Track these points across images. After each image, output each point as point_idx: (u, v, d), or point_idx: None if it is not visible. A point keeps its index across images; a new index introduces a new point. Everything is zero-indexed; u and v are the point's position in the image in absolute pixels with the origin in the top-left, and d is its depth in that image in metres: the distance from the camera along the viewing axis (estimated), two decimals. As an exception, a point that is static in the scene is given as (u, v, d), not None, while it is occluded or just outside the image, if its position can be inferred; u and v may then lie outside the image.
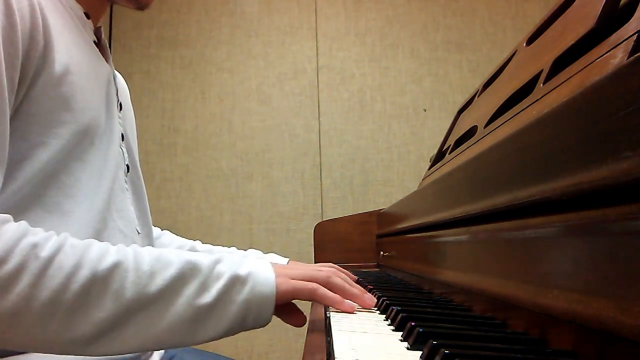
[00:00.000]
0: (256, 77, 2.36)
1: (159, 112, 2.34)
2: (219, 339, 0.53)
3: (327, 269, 0.64)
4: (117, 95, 0.73)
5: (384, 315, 0.60)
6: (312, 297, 0.58)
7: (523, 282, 0.43)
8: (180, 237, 0.96)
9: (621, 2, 0.54)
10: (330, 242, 1.48)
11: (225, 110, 2.34)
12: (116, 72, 0.77)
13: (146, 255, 0.52)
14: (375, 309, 0.67)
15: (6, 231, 0.47)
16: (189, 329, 0.51)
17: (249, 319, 0.54)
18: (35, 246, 0.47)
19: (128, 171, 0.73)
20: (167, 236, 0.94)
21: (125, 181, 0.72)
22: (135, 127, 0.84)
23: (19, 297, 0.45)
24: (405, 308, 0.56)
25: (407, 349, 0.43)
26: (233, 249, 0.94)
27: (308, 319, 0.69)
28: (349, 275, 0.72)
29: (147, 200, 0.79)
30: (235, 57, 2.38)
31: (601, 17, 0.55)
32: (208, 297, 0.52)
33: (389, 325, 0.54)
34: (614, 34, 0.49)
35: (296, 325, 0.61)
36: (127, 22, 2.38)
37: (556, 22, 0.73)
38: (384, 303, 0.64)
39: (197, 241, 0.95)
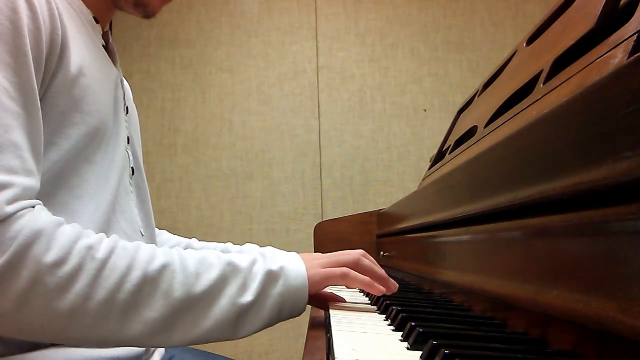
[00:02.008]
0: (256, 77, 2.36)
1: (159, 112, 2.34)
2: (257, 332, 0.57)
3: (354, 251, 0.66)
4: (124, 98, 0.73)
5: (384, 315, 0.60)
6: (344, 282, 0.62)
7: (523, 282, 0.43)
8: (177, 236, 0.96)
9: (621, 2, 0.54)
10: (330, 242, 1.48)
11: (225, 110, 2.34)
12: (122, 76, 0.77)
13: (190, 258, 0.55)
14: (375, 308, 0.67)
15: (62, 233, 0.49)
16: (231, 325, 0.55)
17: (285, 311, 0.57)
18: (90, 248, 0.50)
19: (133, 174, 0.74)
20: (163, 235, 0.95)
21: (130, 183, 0.72)
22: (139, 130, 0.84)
23: (77, 296, 0.48)
24: (405, 308, 0.56)
25: (407, 349, 0.43)
26: (229, 244, 0.94)
27: (308, 319, 0.70)
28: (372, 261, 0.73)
29: (150, 202, 0.79)
30: (235, 57, 2.38)
31: (601, 17, 0.55)
32: (248, 295, 0.55)
33: (389, 325, 0.54)
34: (614, 34, 0.49)
35: (327, 308, 0.65)
36: (127, 22, 2.38)
37: (556, 22, 0.73)
38: (384, 303, 0.64)
39: (194, 239, 0.95)
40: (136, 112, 0.84)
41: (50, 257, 0.48)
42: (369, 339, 0.47)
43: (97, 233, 0.60)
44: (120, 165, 0.68)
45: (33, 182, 0.51)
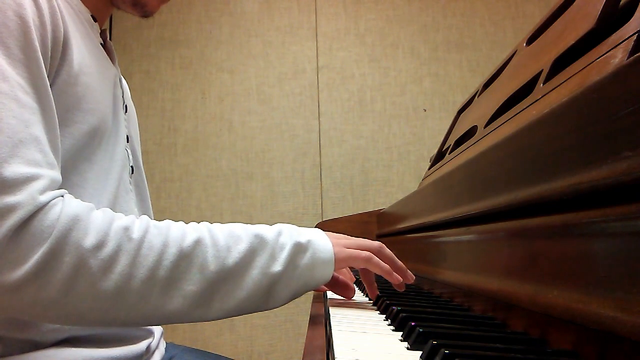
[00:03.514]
0: (256, 77, 2.36)
1: (159, 112, 2.34)
2: (286, 303, 0.58)
3: (376, 242, 0.68)
4: (122, 97, 0.73)
5: (384, 315, 0.60)
6: (366, 265, 0.64)
7: (523, 282, 0.43)
8: None
9: (621, 2, 0.54)
10: (330, 242, 1.48)
11: (225, 110, 2.34)
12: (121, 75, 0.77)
13: (219, 231, 0.57)
14: (375, 308, 0.67)
15: (96, 217, 0.51)
16: (264, 295, 0.56)
17: (312, 282, 0.59)
18: (126, 229, 0.51)
19: (132, 172, 0.74)
20: None
21: (130, 182, 0.72)
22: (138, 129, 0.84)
23: (120, 276, 0.49)
24: (405, 308, 0.56)
25: (407, 349, 0.43)
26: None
27: (308, 318, 0.70)
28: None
29: (150, 201, 0.79)
30: (235, 57, 2.38)
31: (601, 17, 0.55)
32: (277, 265, 0.57)
33: (389, 325, 0.54)
34: (614, 34, 0.49)
35: (347, 297, 0.69)
36: (127, 22, 2.38)
37: (556, 22, 0.73)
38: (384, 303, 0.64)
39: None
40: (135, 111, 0.84)
41: (90, 241, 0.49)
42: (369, 339, 0.47)
43: (122, 214, 0.61)
44: (120, 164, 0.68)
45: (56, 174, 0.52)
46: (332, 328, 0.51)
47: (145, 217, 0.55)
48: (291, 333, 2.13)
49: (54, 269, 0.47)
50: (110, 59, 0.72)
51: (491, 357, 0.36)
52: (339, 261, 0.61)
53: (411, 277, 0.68)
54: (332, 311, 0.63)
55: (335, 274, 0.67)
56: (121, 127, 0.70)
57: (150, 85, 2.35)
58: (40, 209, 0.47)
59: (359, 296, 0.83)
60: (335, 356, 0.39)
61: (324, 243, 0.60)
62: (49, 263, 0.47)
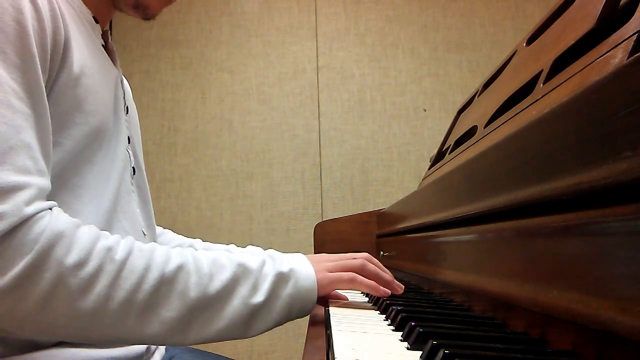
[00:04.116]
0: (256, 77, 2.36)
1: (159, 112, 2.33)
2: (268, 330, 0.58)
3: (360, 256, 0.69)
4: (124, 98, 0.73)
5: (384, 315, 0.60)
6: (351, 286, 0.65)
7: (523, 282, 0.43)
8: (180, 236, 0.96)
9: (621, 2, 0.54)
10: (330, 242, 1.48)
11: (225, 110, 2.34)
12: (122, 76, 0.77)
13: (203, 259, 0.56)
14: (376, 308, 0.67)
15: (82, 235, 0.50)
16: (243, 324, 0.56)
17: (294, 312, 0.59)
18: (109, 249, 0.51)
19: (134, 173, 0.74)
20: (167, 235, 0.95)
21: (132, 183, 0.72)
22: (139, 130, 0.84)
23: (98, 297, 0.49)
24: (405, 308, 0.56)
25: (407, 349, 0.43)
26: (232, 246, 0.95)
27: (308, 319, 0.70)
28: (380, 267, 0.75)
29: (151, 202, 0.79)
30: (235, 57, 2.37)
31: (601, 17, 0.55)
32: (259, 296, 0.57)
33: (389, 325, 0.54)
34: (614, 34, 0.49)
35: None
36: (127, 22, 2.38)
37: (556, 22, 0.73)
38: (384, 303, 0.64)
39: (197, 239, 0.95)
40: (136, 112, 0.84)
41: (72, 258, 0.48)
42: (369, 339, 0.47)
43: (108, 234, 0.61)
44: (121, 165, 0.68)
45: (46, 182, 0.51)
46: (332, 328, 0.51)
47: (131, 238, 0.55)
48: (291, 333, 2.13)
49: (33, 283, 0.47)
50: (112, 60, 0.72)
51: (491, 357, 0.36)
52: (323, 288, 0.61)
53: (399, 287, 0.68)
54: (332, 311, 0.63)
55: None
56: (122, 128, 0.70)
57: (150, 85, 2.35)
58: (25, 220, 0.47)
59: (359, 296, 0.83)
60: (335, 356, 0.39)
61: (306, 271, 0.61)
62: (29, 277, 0.46)
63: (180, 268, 0.54)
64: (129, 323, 0.51)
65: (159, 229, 0.92)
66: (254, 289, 0.57)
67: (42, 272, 0.47)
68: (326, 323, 0.59)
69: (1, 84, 0.49)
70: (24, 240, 0.46)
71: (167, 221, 2.23)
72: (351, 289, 0.68)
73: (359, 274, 0.65)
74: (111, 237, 0.53)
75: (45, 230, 0.48)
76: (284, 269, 0.59)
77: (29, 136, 0.50)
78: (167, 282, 0.53)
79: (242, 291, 0.56)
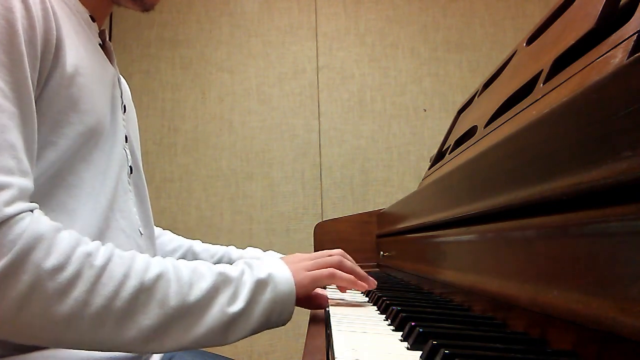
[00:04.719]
0: (256, 77, 2.36)
1: (159, 112, 2.33)
2: (246, 338, 0.59)
3: (335, 252, 0.71)
4: (121, 97, 0.73)
5: (384, 315, 0.60)
6: (331, 281, 0.66)
7: (523, 282, 0.43)
8: (180, 237, 0.96)
9: (621, 2, 0.54)
10: (330, 242, 1.48)
11: (225, 110, 2.34)
12: (119, 74, 0.77)
13: (183, 267, 0.56)
14: (376, 308, 0.67)
15: (62, 239, 0.50)
16: (222, 332, 0.56)
17: (273, 317, 0.59)
18: (89, 255, 0.51)
19: (131, 172, 0.74)
20: (167, 235, 0.95)
21: (129, 182, 0.72)
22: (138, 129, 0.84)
23: (75, 302, 0.49)
24: (405, 308, 0.56)
25: (407, 349, 0.43)
26: (232, 247, 0.95)
27: (308, 318, 0.70)
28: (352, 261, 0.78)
29: (149, 201, 0.79)
30: (235, 57, 2.37)
31: (601, 17, 0.55)
32: (239, 303, 0.57)
33: (389, 325, 0.54)
34: (614, 34, 0.49)
35: (321, 307, 0.71)
36: (127, 22, 2.38)
37: (556, 22, 0.73)
38: (384, 303, 0.64)
39: (197, 240, 0.95)
40: (134, 111, 0.84)
41: (51, 262, 0.48)
42: (369, 339, 0.47)
43: (96, 232, 0.60)
44: (118, 164, 0.68)
45: (28, 182, 0.51)
46: (332, 328, 0.51)
47: (111, 245, 0.55)
48: (291, 333, 2.13)
49: (9, 285, 0.46)
50: (109, 59, 0.72)
51: (491, 357, 0.36)
52: (303, 288, 0.62)
53: (373, 282, 0.71)
54: (332, 311, 0.63)
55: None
56: (119, 127, 0.70)
57: (150, 85, 2.35)
58: (4, 221, 0.46)
59: (359, 296, 0.83)
60: (335, 356, 0.39)
61: (283, 275, 0.61)
62: (6, 278, 0.46)
63: (160, 276, 0.54)
64: (106, 330, 0.50)
65: (158, 230, 0.92)
66: (234, 297, 0.57)
67: (20, 274, 0.46)
68: (326, 323, 0.59)
69: None
70: (2, 240, 0.46)
71: (167, 221, 2.23)
72: (331, 285, 0.70)
73: (337, 270, 0.67)
74: (91, 243, 0.52)
75: (25, 232, 0.47)
76: (262, 275, 0.60)
77: (14, 136, 0.49)
78: (146, 290, 0.52)
79: (222, 299, 0.56)
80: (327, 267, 0.66)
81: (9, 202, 0.47)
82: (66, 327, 0.49)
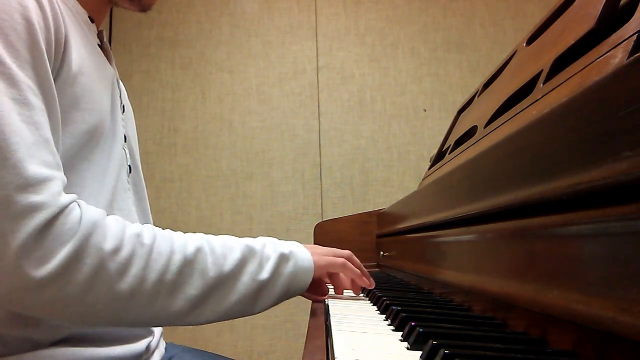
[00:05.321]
0: (256, 77, 2.36)
1: (159, 112, 2.33)
2: (270, 308, 0.65)
3: (347, 251, 0.78)
4: (120, 97, 0.74)
5: (384, 315, 0.60)
6: (342, 269, 0.74)
7: (523, 282, 0.43)
8: None
9: (621, 2, 0.54)
10: (330, 242, 1.48)
11: (225, 110, 2.34)
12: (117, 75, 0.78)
13: (214, 241, 0.62)
14: (376, 308, 0.67)
15: (111, 223, 0.54)
16: (251, 300, 0.62)
17: (292, 289, 0.66)
18: (138, 235, 0.56)
19: (130, 172, 0.74)
20: None
21: (128, 181, 0.73)
22: (135, 129, 0.84)
23: (134, 279, 0.53)
24: (405, 308, 0.56)
25: (407, 349, 0.43)
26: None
27: (308, 318, 0.70)
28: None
29: (148, 201, 0.80)
30: (235, 57, 2.37)
31: (601, 17, 0.55)
32: (265, 273, 0.63)
33: (389, 325, 0.54)
34: (614, 34, 0.49)
35: (322, 295, 0.76)
36: (127, 22, 2.38)
37: (556, 22, 0.73)
38: (384, 303, 0.64)
39: None
40: (132, 111, 0.84)
41: (109, 245, 0.52)
42: (368, 339, 0.47)
43: (130, 222, 0.63)
44: (118, 163, 0.68)
45: (64, 175, 0.53)
46: (332, 328, 0.51)
47: (150, 225, 0.59)
48: (291, 333, 2.13)
49: (76, 269, 0.50)
50: (108, 59, 0.72)
51: (491, 357, 0.36)
52: (319, 268, 0.69)
53: (373, 282, 0.77)
54: (332, 311, 0.63)
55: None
56: (119, 126, 0.71)
57: (150, 85, 2.35)
58: (62, 210, 0.50)
59: (359, 296, 0.83)
60: (335, 356, 0.39)
61: (303, 253, 0.68)
62: (72, 264, 0.49)
63: (198, 250, 0.59)
64: (160, 301, 0.55)
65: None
66: (260, 267, 0.63)
67: (84, 259, 0.50)
68: (326, 323, 0.59)
69: (17, 82, 0.50)
70: (63, 229, 0.49)
71: (167, 221, 2.23)
72: (336, 282, 0.77)
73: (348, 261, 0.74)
74: (135, 225, 0.57)
75: (82, 219, 0.51)
76: (285, 250, 0.66)
77: (47, 131, 0.52)
78: (189, 263, 0.58)
79: (251, 268, 0.62)
80: (340, 257, 0.73)
81: (60, 193, 0.50)
82: (127, 304, 0.53)
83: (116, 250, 0.52)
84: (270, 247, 0.66)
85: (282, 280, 0.64)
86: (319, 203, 2.28)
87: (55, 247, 0.49)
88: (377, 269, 1.41)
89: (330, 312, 0.62)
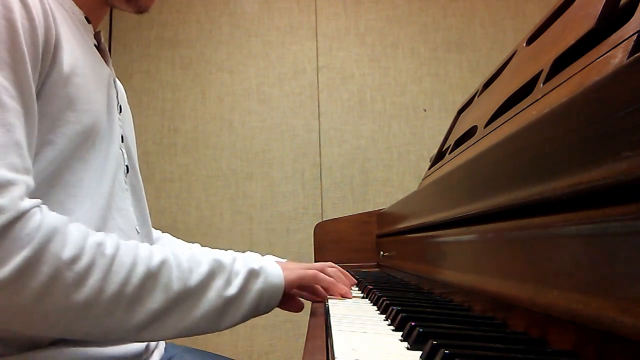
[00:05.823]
0: (256, 77, 2.36)
1: (159, 112, 2.33)
2: (238, 324, 0.63)
3: (322, 263, 0.79)
4: (117, 97, 0.73)
5: (384, 315, 0.60)
6: (314, 280, 0.73)
7: (523, 282, 0.43)
8: (179, 240, 0.96)
9: (621, 2, 0.54)
10: (330, 242, 1.48)
11: (225, 110, 2.34)
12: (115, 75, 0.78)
13: (182, 254, 0.60)
14: (376, 308, 0.67)
15: (72, 231, 0.52)
16: (217, 317, 0.60)
17: (262, 306, 0.65)
18: (100, 244, 0.53)
19: (127, 172, 0.74)
20: (166, 238, 0.95)
21: (125, 182, 0.73)
22: (134, 128, 0.84)
23: (92, 290, 0.51)
24: (405, 308, 0.56)
25: (407, 349, 0.43)
26: (230, 252, 0.95)
27: (308, 318, 0.70)
28: (342, 272, 0.85)
29: (145, 200, 0.80)
30: (235, 57, 2.37)
31: (601, 17, 0.55)
32: (232, 289, 0.61)
33: (389, 325, 0.54)
34: (614, 34, 0.49)
35: (296, 311, 0.76)
36: (127, 22, 2.38)
37: (556, 22, 0.73)
38: (384, 303, 0.64)
39: (196, 244, 0.95)
40: (130, 111, 0.84)
41: (67, 253, 0.50)
42: (369, 339, 0.47)
43: (93, 230, 0.61)
44: (115, 163, 0.68)
45: (31, 180, 0.52)
46: (332, 328, 0.51)
47: (114, 235, 0.57)
48: (291, 333, 2.13)
49: (30, 276, 0.48)
50: (104, 60, 0.72)
51: (491, 357, 0.36)
52: (290, 283, 0.68)
53: (349, 292, 0.78)
54: (332, 311, 0.63)
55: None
56: (115, 127, 0.71)
57: (150, 85, 2.35)
58: (21, 215, 0.48)
59: (358, 295, 0.83)
60: (335, 356, 0.39)
61: (274, 268, 0.67)
62: (27, 270, 0.47)
63: (163, 263, 0.57)
64: (117, 315, 0.53)
65: (157, 233, 0.93)
66: (227, 282, 0.61)
67: (40, 266, 0.48)
68: (326, 323, 0.59)
69: None
70: (20, 234, 0.47)
71: (167, 221, 2.23)
72: (311, 291, 0.77)
73: (320, 272, 0.74)
74: (99, 234, 0.55)
75: (41, 226, 0.49)
76: (255, 266, 0.65)
77: (19, 134, 0.51)
78: (152, 276, 0.56)
79: (218, 284, 0.60)
80: (311, 270, 0.73)
81: (22, 197, 0.49)
82: (82, 315, 0.51)
83: (75, 259, 0.50)
84: (240, 262, 0.64)
85: (250, 296, 0.63)
86: (319, 203, 2.28)
87: (11, 252, 0.47)
88: (377, 269, 1.41)
89: (330, 312, 0.62)
